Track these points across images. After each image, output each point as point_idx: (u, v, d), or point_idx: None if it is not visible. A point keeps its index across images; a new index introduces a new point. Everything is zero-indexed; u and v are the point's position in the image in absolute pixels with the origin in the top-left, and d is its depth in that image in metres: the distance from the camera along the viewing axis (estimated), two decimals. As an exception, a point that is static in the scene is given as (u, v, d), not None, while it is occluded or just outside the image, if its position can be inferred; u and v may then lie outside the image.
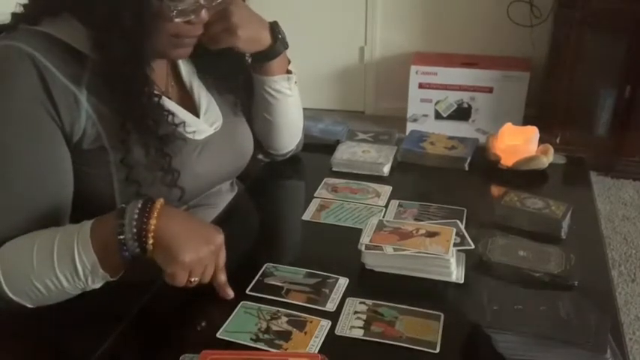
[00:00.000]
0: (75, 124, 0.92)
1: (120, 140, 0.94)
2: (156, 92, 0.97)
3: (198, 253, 0.86)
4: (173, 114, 1.01)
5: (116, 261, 0.86)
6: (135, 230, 0.84)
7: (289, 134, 1.27)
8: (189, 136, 1.04)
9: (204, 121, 1.07)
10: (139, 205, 0.86)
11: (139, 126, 0.94)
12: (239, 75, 1.16)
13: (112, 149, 0.95)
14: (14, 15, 0.95)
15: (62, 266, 0.85)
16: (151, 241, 0.85)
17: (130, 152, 0.95)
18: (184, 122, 1.02)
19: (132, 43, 0.89)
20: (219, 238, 0.89)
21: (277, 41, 1.13)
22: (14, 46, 0.88)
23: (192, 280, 0.87)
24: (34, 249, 0.86)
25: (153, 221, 0.85)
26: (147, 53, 0.92)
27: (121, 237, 0.84)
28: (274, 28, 1.13)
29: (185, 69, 1.11)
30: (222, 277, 0.91)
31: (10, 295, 0.87)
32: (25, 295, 0.87)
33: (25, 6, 0.95)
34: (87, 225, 0.87)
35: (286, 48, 1.16)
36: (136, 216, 0.85)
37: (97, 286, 0.88)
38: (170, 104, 1.02)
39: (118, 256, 0.85)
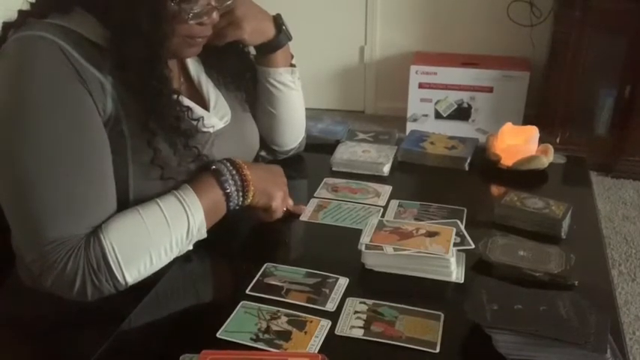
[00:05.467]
0: (102, 108, 0.91)
1: (145, 141, 0.94)
2: (174, 90, 0.98)
3: (282, 186, 1.09)
4: (191, 110, 1.02)
5: (216, 217, 1.01)
6: (239, 183, 1.01)
7: (292, 129, 1.28)
8: (203, 129, 1.05)
9: (214, 114, 1.08)
10: (228, 164, 1.02)
11: (162, 125, 0.95)
12: (245, 72, 1.18)
13: (131, 138, 0.94)
14: (21, 12, 0.94)
15: (177, 229, 0.94)
16: (252, 189, 1.02)
17: (159, 152, 0.95)
18: (202, 117, 1.04)
19: (149, 45, 0.89)
20: (281, 169, 1.12)
21: (281, 32, 1.15)
22: (37, 35, 0.88)
23: (285, 208, 1.10)
24: (143, 219, 0.92)
25: (247, 172, 1.02)
26: (164, 55, 0.93)
27: (227, 191, 1.00)
28: (277, 19, 1.15)
29: (193, 65, 1.11)
30: (290, 201, 1.12)
31: (123, 270, 0.90)
32: (134, 269, 0.91)
33: (32, 4, 0.95)
34: (186, 188, 0.97)
35: (290, 39, 1.18)
36: (234, 172, 1.01)
37: (190, 247, 0.99)
38: (186, 101, 1.03)
39: (222, 211, 1.01)
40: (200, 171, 1.01)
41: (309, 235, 1.11)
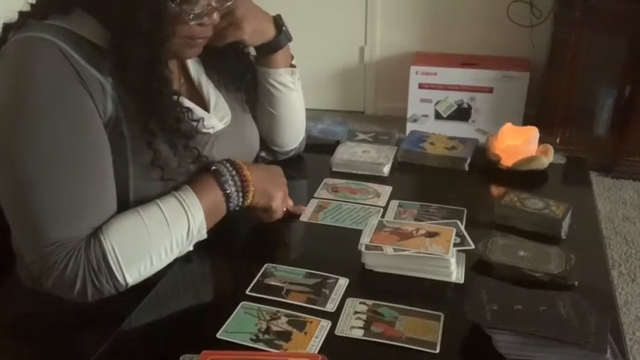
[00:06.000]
0: (102, 110, 0.91)
1: (145, 142, 0.94)
2: (174, 91, 0.98)
3: (282, 186, 1.09)
4: (191, 111, 1.02)
5: (216, 217, 1.01)
6: (239, 184, 1.01)
7: (293, 130, 1.28)
8: (203, 130, 1.05)
9: (214, 115, 1.08)
10: (228, 165, 1.02)
11: (162, 126, 0.95)
12: (245, 73, 1.18)
13: (131, 139, 0.94)
14: (21, 13, 0.94)
15: (177, 230, 0.94)
16: (252, 189, 1.02)
17: (159, 153, 0.95)
18: (203, 118, 1.03)
19: (149, 46, 0.89)
20: (281, 169, 1.12)
21: (281, 33, 1.15)
22: (36, 37, 0.88)
23: (285, 209, 1.10)
24: (144, 220, 0.92)
25: (247, 172, 1.02)
26: (165, 56, 0.93)
27: (227, 192, 1.00)
28: (278, 20, 1.15)
29: (193, 66, 1.11)
30: (290, 201, 1.12)
31: (124, 270, 0.90)
32: (134, 270, 0.91)
33: (33, 5, 0.95)
34: (186, 189, 0.97)
35: (290, 40, 1.18)
36: (234, 172, 1.01)
37: (191, 248, 0.99)
38: (186, 102, 1.03)
39: (222, 211, 1.01)
40: (200, 172, 1.01)
41: (309, 235, 1.11)
